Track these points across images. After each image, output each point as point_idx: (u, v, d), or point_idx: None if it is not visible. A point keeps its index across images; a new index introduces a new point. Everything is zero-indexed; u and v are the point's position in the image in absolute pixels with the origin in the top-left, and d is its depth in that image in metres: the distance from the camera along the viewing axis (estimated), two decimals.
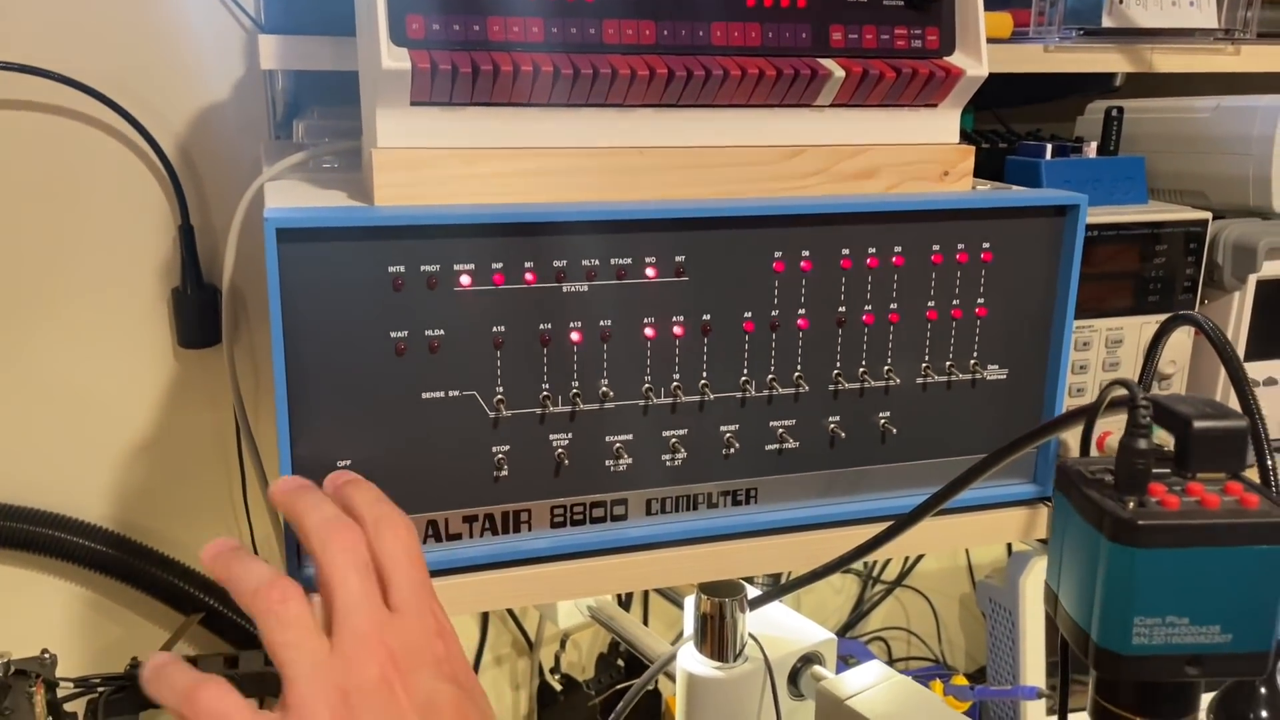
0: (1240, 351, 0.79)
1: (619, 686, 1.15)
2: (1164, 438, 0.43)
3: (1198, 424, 0.38)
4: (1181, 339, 0.77)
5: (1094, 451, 0.77)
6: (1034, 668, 1.25)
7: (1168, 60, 0.94)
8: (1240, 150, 0.79)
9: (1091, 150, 0.78)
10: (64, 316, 1.07)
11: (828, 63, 0.63)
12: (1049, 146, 0.77)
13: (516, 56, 0.58)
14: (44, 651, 0.95)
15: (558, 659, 1.21)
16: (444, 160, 0.59)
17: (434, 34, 0.57)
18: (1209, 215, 0.76)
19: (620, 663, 1.22)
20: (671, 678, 0.78)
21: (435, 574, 0.60)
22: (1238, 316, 0.78)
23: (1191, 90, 1.01)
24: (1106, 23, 0.91)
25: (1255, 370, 0.79)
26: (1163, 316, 0.76)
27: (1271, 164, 0.77)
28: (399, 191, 0.58)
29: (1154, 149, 0.85)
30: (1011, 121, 1.11)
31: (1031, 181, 0.76)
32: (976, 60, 0.66)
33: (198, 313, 1.09)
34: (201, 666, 0.98)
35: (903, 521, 0.63)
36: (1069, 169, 0.76)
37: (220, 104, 1.08)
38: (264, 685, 1.02)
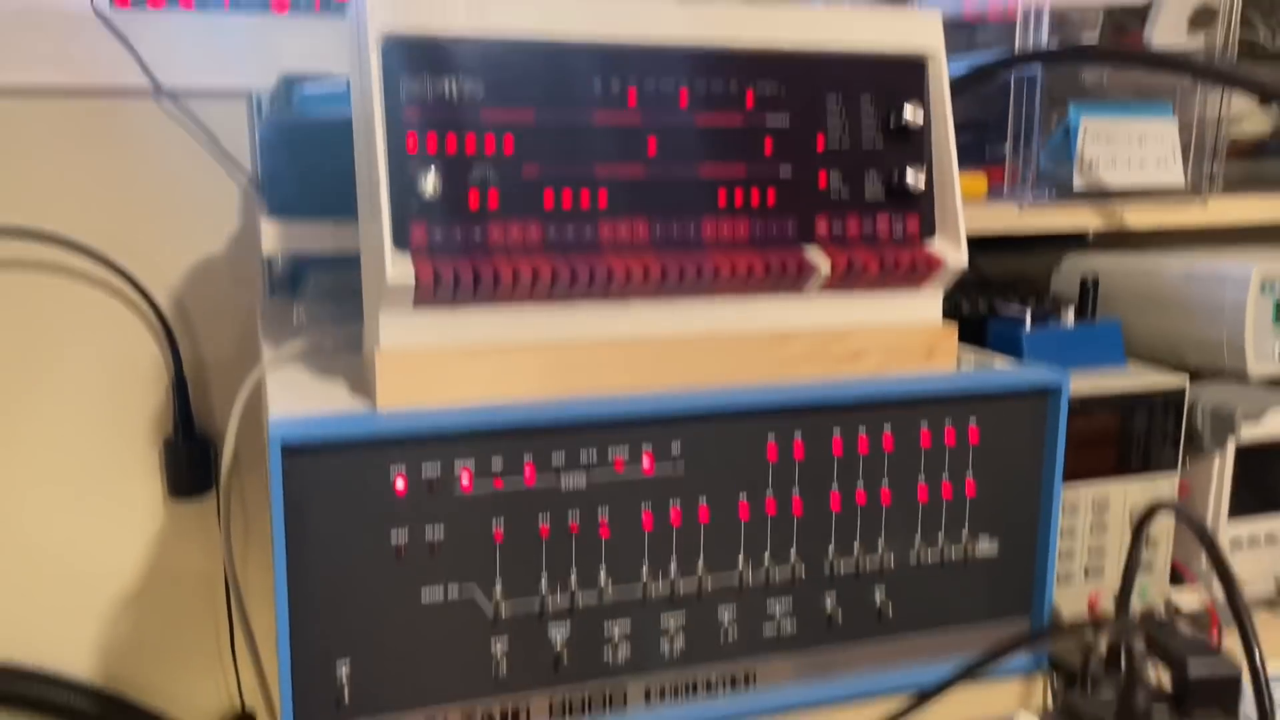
0: (1223, 512, 0.80)
1: None
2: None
3: (1194, 672, 0.39)
4: (1164, 499, 0.79)
5: (1086, 613, 0.78)
6: None
7: (1138, 217, 0.98)
8: (1213, 316, 0.81)
9: (1069, 317, 0.80)
10: (53, 467, 1.07)
11: (813, 254, 0.66)
12: (1028, 315, 0.79)
13: (516, 261, 0.60)
14: None
15: None
16: (445, 359, 0.61)
17: (436, 241, 0.59)
18: (1186, 381, 0.78)
19: None
20: None
21: None
22: (1219, 479, 0.79)
23: (1163, 239, 1.04)
24: (1078, 184, 0.95)
25: (1239, 528, 0.80)
26: (1147, 478, 0.78)
27: (1245, 331, 0.79)
28: (401, 392, 0.60)
29: (1129, 306, 0.88)
30: (989, 265, 1.14)
31: (1013, 349, 0.79)
32: (956, 249, 0.68)
33: (188, 463, 1.10)
34: None
35: (905, 710, 0.63)
36: (1049, 338, 0.78)
37: (215, 257, 1.10)
38: None
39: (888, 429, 0.67)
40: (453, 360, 0.61)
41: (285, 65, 1.05)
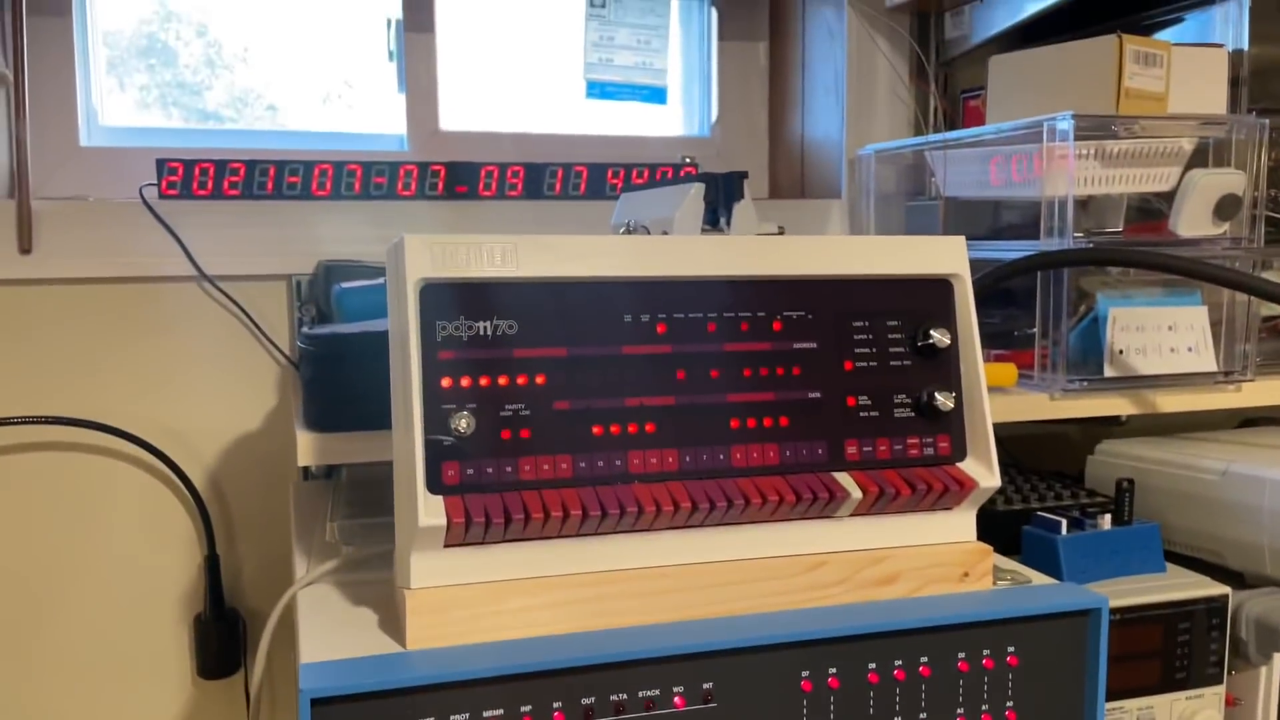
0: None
1: None
2: None
3: None
4: (1211, 715, 0.76)
5: None
6: None
7: (1171, 401, 0.97)
8: (1253, 519, 0.80)
9: (1106, 522, 0.79)
10: (83, 645, 1.07)
11: (844, 481, 0.65)
12: (1064, 521, 0.78)
13: (546, 496, 0.60)
14: None
15: None
16: (475, 599, 0.60)
17: (468, 479, 0.60)
18: (1229, 591, 0.76)
19: None
20: None
21: None
22: (1265, 690, 0.77)
23: (1197, 422, 1.03)
24: (1109, 372, 0.95)
25: None
26: (1193, 693, 0.76)
27: None
28: (430, 633, 0.60)
29: (1167, 504, 0.87)
30: (1023, 431, 1.14)
31: (1049, 557, 0.77)
32: (988, 470, 0.68)
33: (218, 644, 1.09)
34: None
35: None
36: (1085, 544, 0.77)
37: (252, 434, 1.12)
38: None
39: (925, 659, 0.66)
40: (482, 599, 0.61)
41: (324, 248, 1.08)
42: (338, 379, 0.76)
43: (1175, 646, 0.75)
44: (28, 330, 1.04)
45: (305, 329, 0.87)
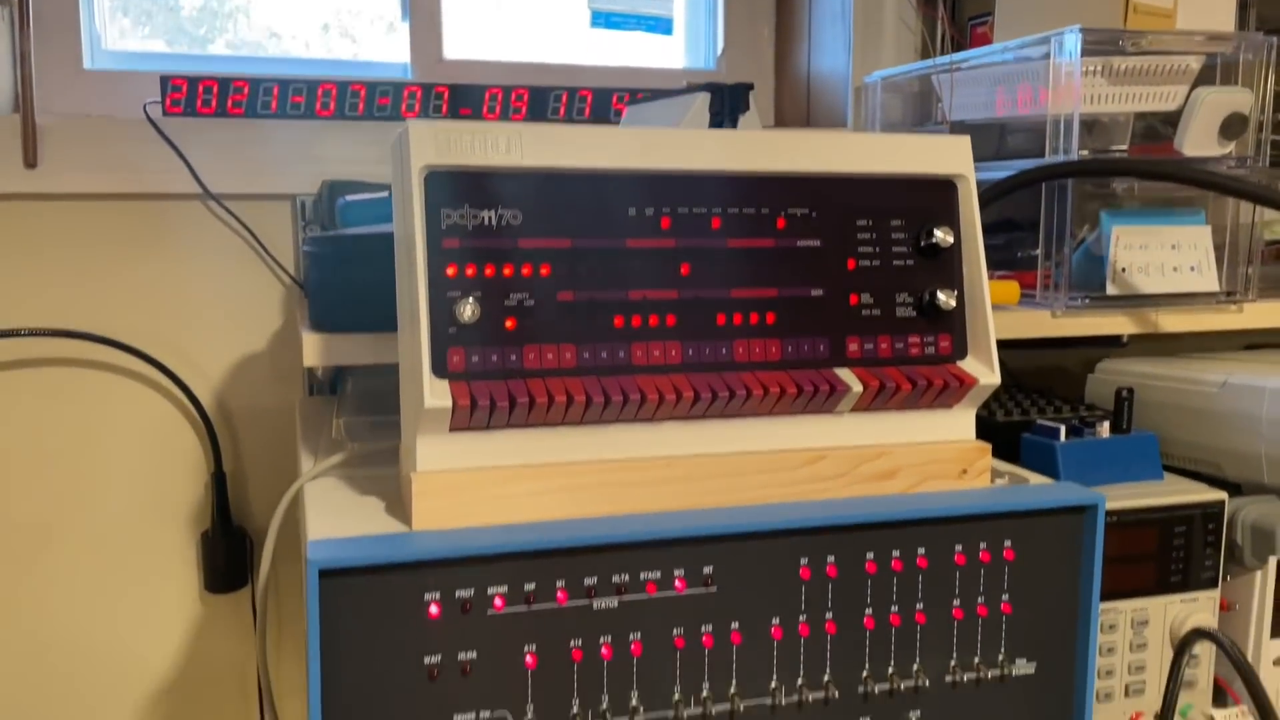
0: (1264, 629, 0.79)
1: None
2: None
3: None
4: (1205, 618, 0.77)
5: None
6: None
7: (1173, 321, 0.98)
8: (1251, 429, 0.81)
9: (1104, 429, 0.80)
10: (93, 559, 1.09)
11: (845, 375, 0.66)
12: (1063, 428, 0.79)
13: (550, 384, 0.61)
14: None
15: None
16: (480, 482, 0.61)
17: (473, 366, 0.60)
18: (1225, 496, 0.77)
19: None
20: None
21: None
22: (1260, 595, 0.78)
23: (1198, 344, 1.04)
24: (1111, 290, 0.95)
25: (1278, 648, 0.79)
26: (1187, 595, 0.77)
27: None
28: (436, 515, 0.61)
29: (1165, 418, 0.87)
30: (1024, 359, 1.14)
31: (1047, 463, 0.78)
32: (989, 368, 0.69)
33: (225, 558, 1.11)
34: None
35: None
36: (1084, 451, 0.78)
37: (258, 354, 1.13)
38: None
39: (922, 550, 0.67)
40: (487, 482, 0.62)
41: (328, 168, 1.08)
42: (343, 280, 0.77)
43: (1171, 550, 0.76)
44: (34, 245, 1.04)
45: (311, 235, 0.87)
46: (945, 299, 0.68)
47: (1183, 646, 0.60)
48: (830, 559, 0.65)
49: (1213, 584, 0.77)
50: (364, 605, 0.57)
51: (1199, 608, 0.77)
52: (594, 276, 0.63)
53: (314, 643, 0.56)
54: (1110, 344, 1.03)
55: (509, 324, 0.61)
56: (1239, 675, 0.55)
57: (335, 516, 0.62)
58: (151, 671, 1.12)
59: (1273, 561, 0.77)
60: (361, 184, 1.02)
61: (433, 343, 0.59)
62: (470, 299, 0.60)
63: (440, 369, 0.60)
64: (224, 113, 1.08)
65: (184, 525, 1.11)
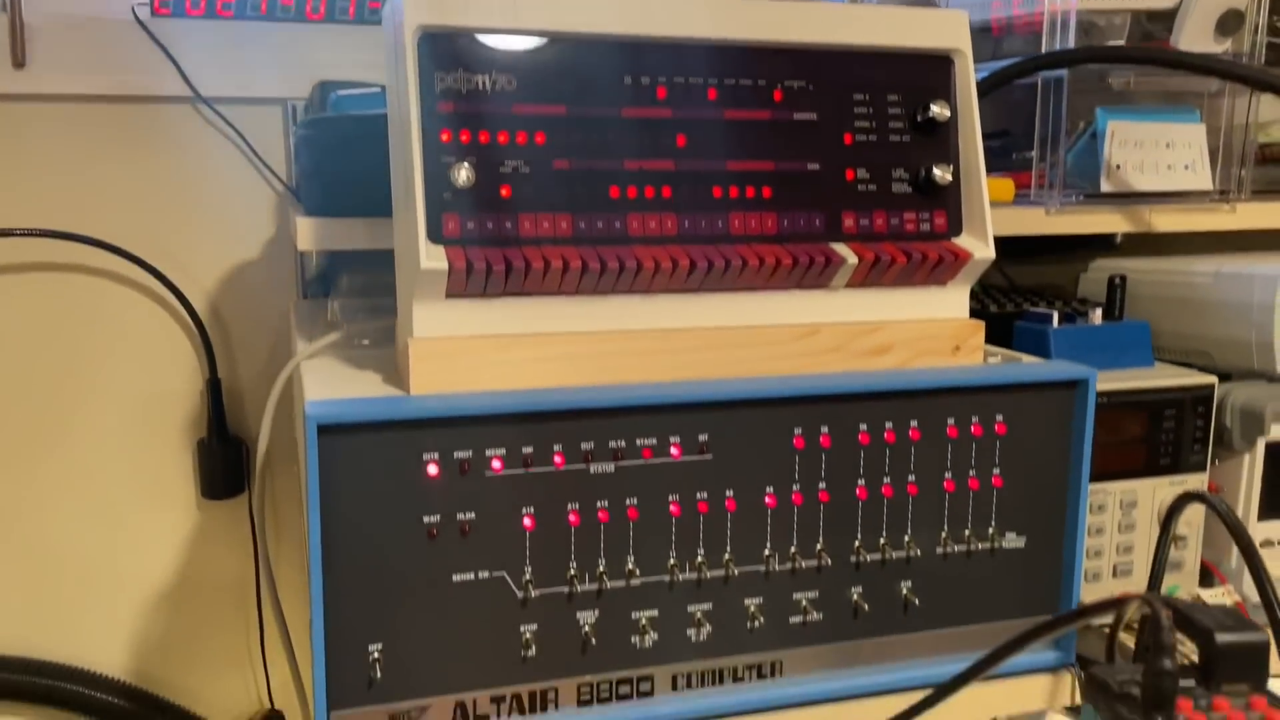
0: (1252, 512, 0.80)
1: None
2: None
3: (1220, 638, 0.40)
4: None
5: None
6: None
7: (1166, 220, 0.98)
8: (1241, 316, 0.81)
9: (1097, 316, 0.81)
10: (89, 466, 1.09)
11: (840, 249, 0.66)
12: (1055, 314, 0.79)
13: (546, 252, 0.61)
14: None
15: None
16: (477, 348, 0.62)
17: (468, 232, 0.60)
18: (1215, 380, 0.78)
19: None
20: None
21: None
22: (1248, 478, 0.79)
23: (1191, 245, 1.04)
24: (1105, 187, 0.95)
25: (1268, 530, 0.80)
26: (1176, 478, 0.78)
27: (1274, 331, 0.79)
28: (434, 379, 0.61)
29: (1157, 310, 0.88)
30: (1017, 273, 1.15)
31: (1040, 349, 0.79)
32: (984, 242, 0.69)
33: (222, 465, 1.11)
34: None
35: (934, 696, 0.63)
36: (1076, 336, 0.79)
37: (250, 262, 1.12)
38: None
39: (914, 423, 0.67)
40: (484, 349, 0.62)
41: (319, 74, 1.07)
42: (336, 164, 0.76)
43: (1160, 433, 0.77)
44: (23, 146, 1.03)
45: (301, 121, 0.86)
46: (941, 174, 0.68)
47: (1172, 511, 0.60)
48: (824, 429, 0.66)
49: (1201, 467, 0.78)
50: (363, 464, 0.57)
51: (1187, 489, 0.78)
52: (589, 145, 0.63)
53: (313, 500, 0.56)
54: (1103, 246, 1.03)
55: (504, 191, 0.61)
56: (1228, 529, 0.55)
57: (333, 385, 0.63)
58: (150, 578, 1.13)
59: (1261, 444, 0.78)
60: (354, 84, 1.02)
61: (428, 207, 0.59)
62: (465, 164, 0.59)
63: (436, 234, 0.60)
64: (213, 14, 1.06)
65: (180, 433, 1.12)
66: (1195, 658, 0.42)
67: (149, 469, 1.11)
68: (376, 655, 0.59)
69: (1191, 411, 0.78)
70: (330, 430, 0.56)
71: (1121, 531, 0.77)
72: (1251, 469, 0.78)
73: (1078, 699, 0.73)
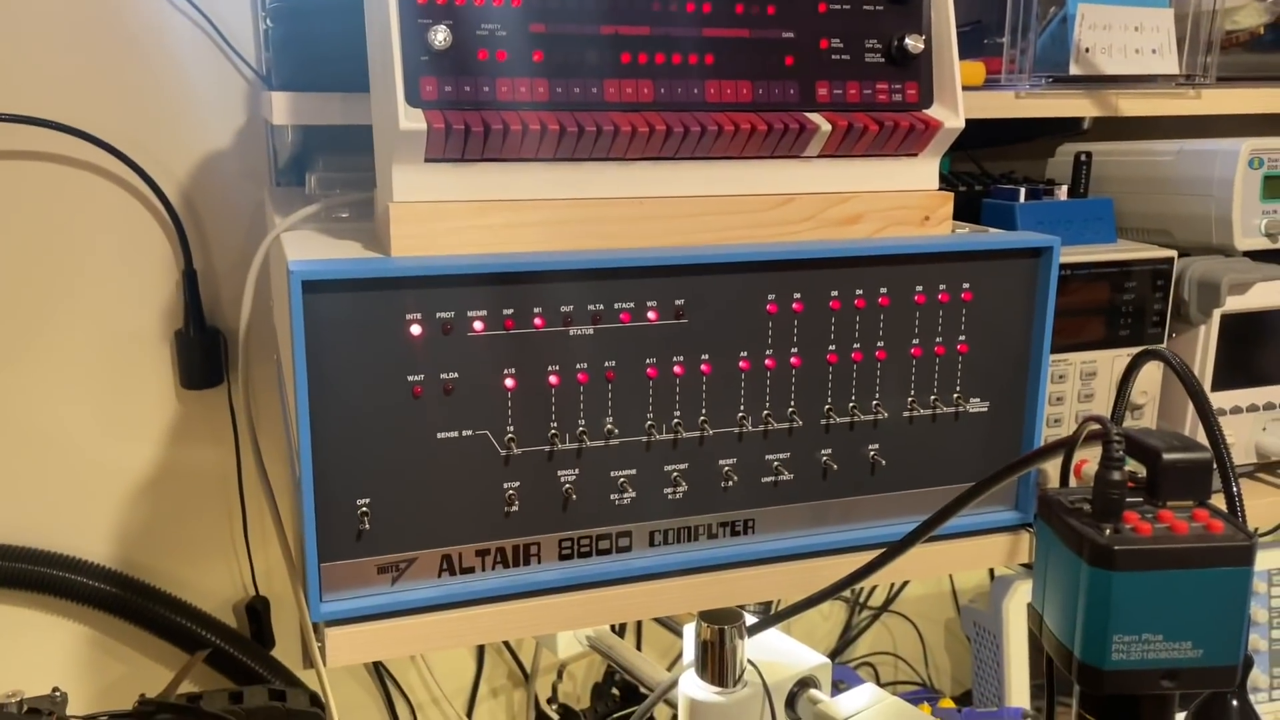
0: (1206, 382, 0.83)
1: (616, 716, 1.17)
2: (1137, 467, 0.46)
3: (1166, 456, 0.42)
4: (1152, 371, 0.81)
5: (1072, 481, 0.81)
6: (1018, 690, 1.29)
7: (1133, 104, 0.99)
8: (1202, 191, 0.83)
9: (1062, 193, 0.82)
10: (68, 359, 1.10)
11: (814, 117, 0.67)
12: (1022, 190, 0.81)
13: (524, 116, 0.62)
14: (55, 690, 0.97)
15: (555, 690, 1.23)
16: (456, 213, 0.63)
17: (446, 95, 0.61)
18: (1175, 254, 0.80)
19: (615, 692, 1.24)
20: (671, 705, 0.81)
21: (449, 607, 0.63)
22: (1204, 349, 0.82)
23: (1156, 132, 1.06)
24: (1074, 70, 0.96)
25: (1220, 400, 0.83)
26: (1134, 349, 0.81)
27: (1232, 205, 0.81)
28: (414, 243, 0.62)
29: (1121, 190, 0.90)
30: (986, 162, 1.16)
31: (1007, 224, 0.81)
32: (954, 112, 0.70)
33: (200, 355, 1.12)
34: (205, 703, 1.00)
35: (893, 549, 0.66)
36: (1042, 211, 0.80)
37: (222, 152, 1.12)
38: None
39: (884, 289, 0.69)
40: (462, 214, 0.63)
41: None
42: (311, 32, 0.76)
43: (1121, 304, 0.80)
44: None
45: None
46: (913, 43, 0.69)
47: (1131, 368, 0.63)
48: (796, 295, 0.68)
49: (1159, 340, 0.81)
50: (347, 323, 0.59)
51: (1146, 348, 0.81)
52: (565, 9, 0.63)
53: (300, 359, 0.58)
54: (1071, 132, 1.05)
55: (480, 55, 0.62)
56: (1187, 392, 0.58)
57: (314, 252, 0.63)
58: (132, 469, 1.14)
59: (1216, 316, 0.81)
60: None
61: (405, 70, 0.60)
62: (442, 25, 0.60)
63: (414, 97, 0.60)
64: None
65: (157, 324, 1.12)
66: (1145, 480, 0.44)
67: (127, 360, 1.12)
68: (364, 509, 0.61)
69: (1151, 285, 0.80)
70: (315, 287, 0.57)
71: (1081, 400, 0.80)
72: (1207, 341, 0.81)
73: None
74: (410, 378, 0.60)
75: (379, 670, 1.26)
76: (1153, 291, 0.80)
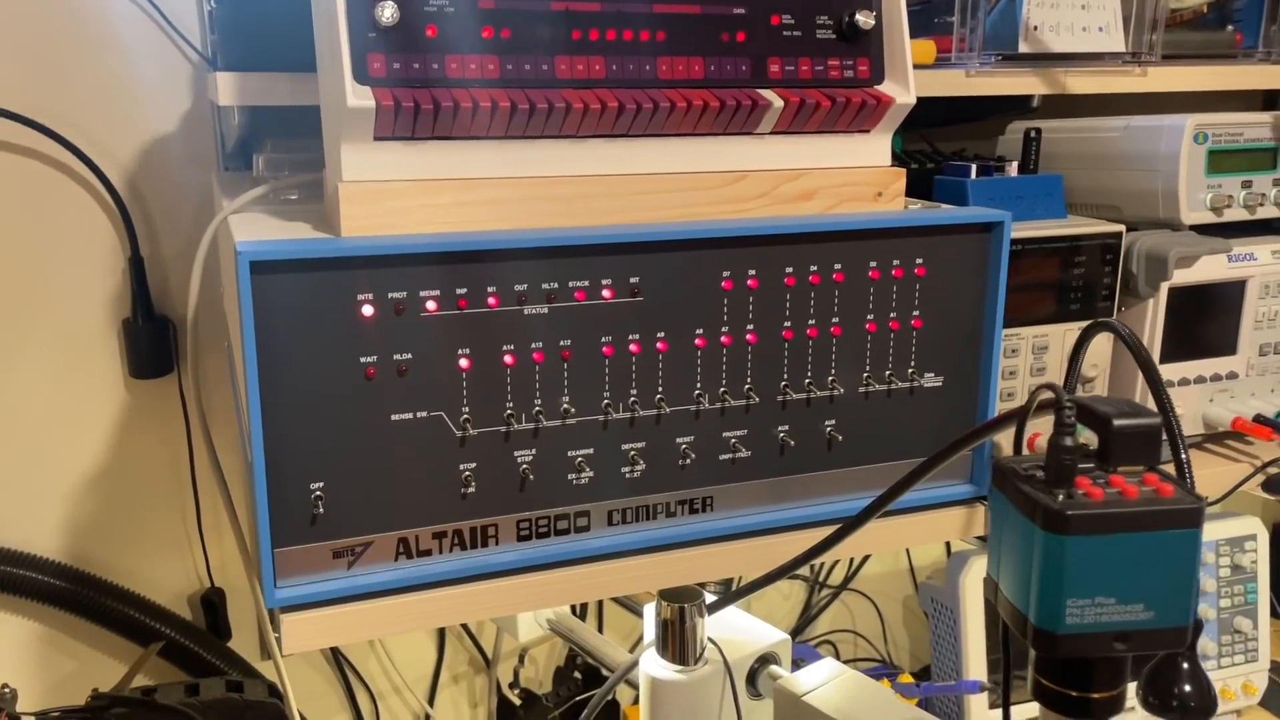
0: (1155, 354, 0.84)
1: (579, 699, 1.17)
2: (1090, 438, 0.47)
3: (1117, 422, 0.43)
4: (1102, 344, 0.83)
5: (1025, 452, 0.82)
6: (976, 663, 1.30)
7: (1080, 82, 1.00)
8: (1149, 166, 0.84)
9: (1013, 169, 0.83)
10: (12, 349, 1.07)
11: (767, 94, 0.67)
12: (974, 167, 0.82)
13: (475, 93, 0.61)
14: (4, 685, 0.95)
15: (516, 674, 1.23)
16: (406, 192, 0.62)
17: (394, 73, 0.60)
18: (1123, 228, 0.81)
19: (577, 675, 1.24)
20: (632, 685, 0.81)
21: (407, 590, 0.63)
22: (1152, 321, 0.83)
23: (1105, 110, 1.07)
24: (1023, 48, 0.97)
25: (1169, 372, 0.85)
26: (1084, 323, 0.82)
27: (1178, 179, 0.83)
28: (365, 222, 0.61)
29: (1070, 166, 0.91)
30: (937, 141, 1.17)
31: (959, 200, 0.81)
32: (905, 88, 0.70)
33: (149, 343, 1.10)
34: (161, 696, 0.98)
35: (851, 523, 0.67)
36: (993, 187, 0.81)
37: (168, 136, 1.09)
38: (225, 712, 1.02)
39: (838, 265, 0.70)
40: (412, 193, 0.62)
41: None
42: (255, 13, 0.74)
43: (1071, 279, 0.80)
44: None
45: None
46: (864, 19, 0.69)
47: (1082, 340, 0.64)
48: (751, 272, 0.68)
49: (1108, 314, 0.82)
50: (297, 304, 0.58)
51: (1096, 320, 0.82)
52: None
53: (249, 342, 0.57)
54: (1020, 111, 1.05)
55: (429, 31, 0.61)
56: (1136, 362, 0.59)
57: (262, 234, 0.62)
58: (82, 461, 1.12)
59: (1164, 289, 0.82)
60: None
61: (352, 46, 0.59)
62: (389, 1, 0.59)
63: (361, 74, 0.59)
64: None
65: (104, 313, 1.10)
66: (1097, 446, 0.45)
67: (74, 350, 1.09)
68: (319, 493, 0.60)
69: (1100, 259, 0.81)
70: (264, 268, 0.56)
71: (1033, 374, 0.81)
72: (1155, 314, 0.83)
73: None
74: (363, 359, 0.60)
75: (338, 659, 1.25)
76: (1102, 266, 0.81)
